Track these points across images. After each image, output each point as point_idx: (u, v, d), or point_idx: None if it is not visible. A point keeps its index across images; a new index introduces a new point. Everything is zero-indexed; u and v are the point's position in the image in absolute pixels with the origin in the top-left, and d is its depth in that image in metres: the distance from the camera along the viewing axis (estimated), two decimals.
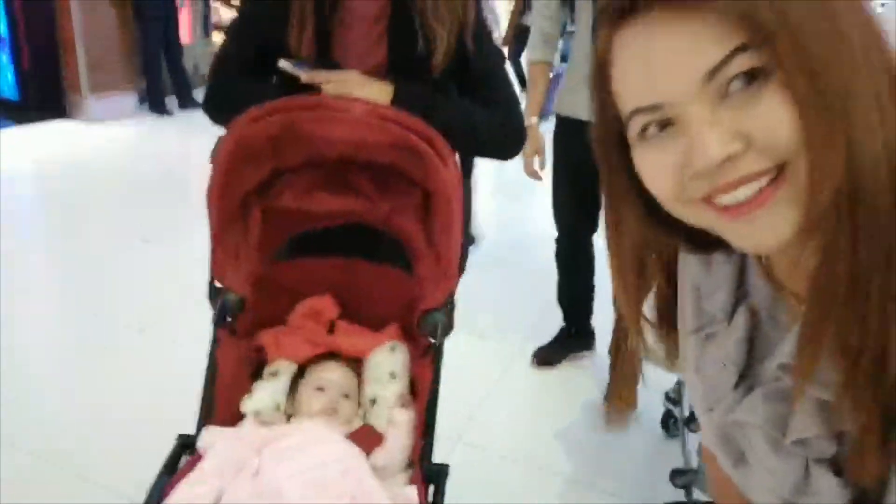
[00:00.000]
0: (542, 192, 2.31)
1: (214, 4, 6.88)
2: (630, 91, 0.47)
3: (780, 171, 0.43)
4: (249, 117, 1.02)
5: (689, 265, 0.59)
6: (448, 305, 1.08)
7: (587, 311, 2.39)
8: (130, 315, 2.64)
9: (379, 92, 1.11)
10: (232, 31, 1.26)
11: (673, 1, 0.43)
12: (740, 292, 0.56)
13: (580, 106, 1.99)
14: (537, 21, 2.05)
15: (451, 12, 1.14)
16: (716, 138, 0.43)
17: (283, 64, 1.13)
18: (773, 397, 0.52)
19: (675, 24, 0.43)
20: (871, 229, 0.42)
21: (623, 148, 0.50)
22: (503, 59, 1.29)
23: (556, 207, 2.20)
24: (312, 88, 1.11)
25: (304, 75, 1.12)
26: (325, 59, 1.16)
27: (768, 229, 0.44)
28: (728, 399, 0.56)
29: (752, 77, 0.42)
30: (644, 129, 0.47)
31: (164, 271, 3.02)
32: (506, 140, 1.23)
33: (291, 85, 1.13)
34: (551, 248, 2.32)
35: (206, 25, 6.84)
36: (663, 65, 0.44)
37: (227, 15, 6.75)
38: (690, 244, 0.55)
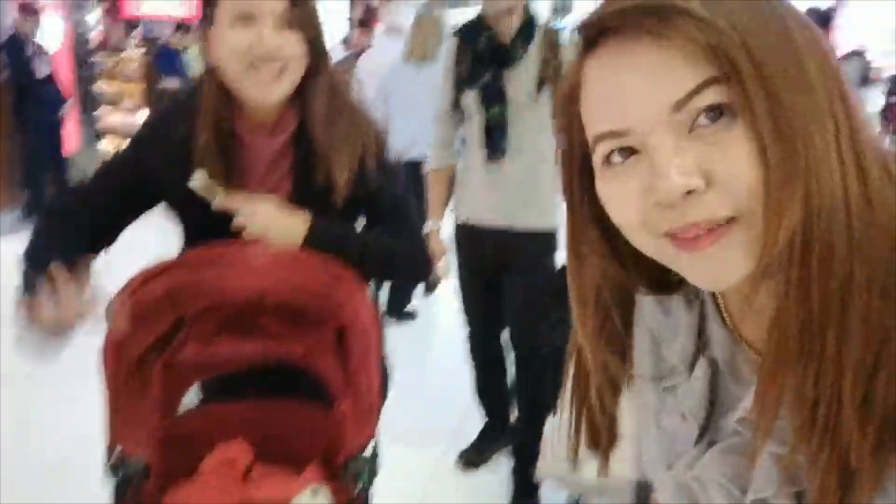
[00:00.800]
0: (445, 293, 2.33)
1: (101, 112, 6.70)
2: (597, 116, 0.47)
3: (729, 222, 0.43)
4: (142, 278, 0.97)
5: (645, 308, 0.57)
6: (372, 450, 1.05)
7: (507, 402, 2.39)
8: None
9: (295, 226, 1.09)
10: (105, 168, 1.21)
11: (643, 27, 0.43)
12: (700, 342, 0.55)
13: (476, 212, 2.06)
14: (435, 130, 2.12)
15: (351, 142, 1.13)
16: (678, 169, 0.42)
17: (195, 183, 1.09)
18: (733, 453, 0.51)
19: (645, 50, 0.43)
20: (825, 277, 0.42)
21: (587, 175, 0.50)
22: (405, 187, 1.31)
23: (466, 306, 2.23)
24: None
25: (218, 201, 1.08)
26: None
27: (722, 266, 0.44)
28: (689, 454, 0.54)
29: (719, 113, 0.42)
30: (609, 156, 0.46)
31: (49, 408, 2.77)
32: (415, 267, 1.24)
33: (202, 209, 1.08)
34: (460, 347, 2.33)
35: (94, 132, 6.64)
36: (632, 91, 0.44)
37: (116, 119, 6.59)
38: (649, 285, 0.55)
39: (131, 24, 7.41)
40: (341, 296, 1.02)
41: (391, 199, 1.21)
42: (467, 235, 2.11)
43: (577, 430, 0.60)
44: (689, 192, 0.42)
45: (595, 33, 0.46)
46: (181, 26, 6.23)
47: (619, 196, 0.47)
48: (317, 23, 1.09)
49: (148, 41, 6.95)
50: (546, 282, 2.07)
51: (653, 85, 0.43)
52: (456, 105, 2.04)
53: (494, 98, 1.93)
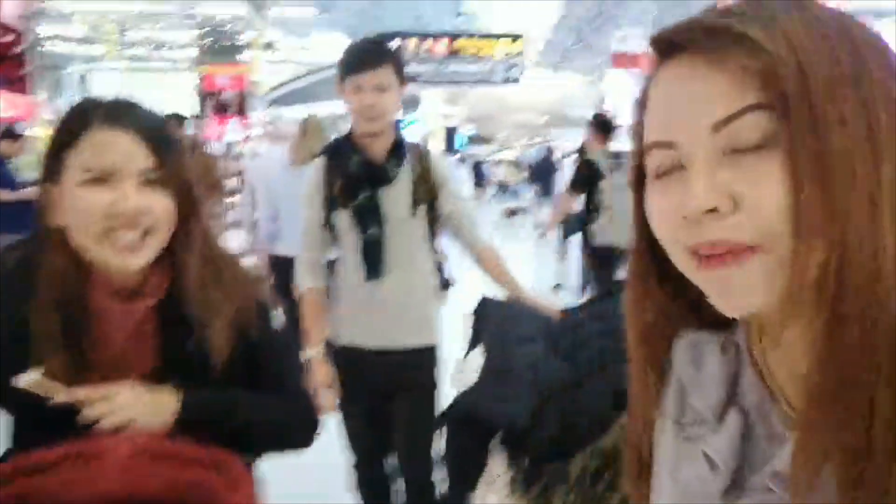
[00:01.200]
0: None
1: None
2: (653, 124, 0.48)
3: (752, 249, 0.43)
4: None
5: (678, 353, 0.56)
6: None
7: None
8: None
9: (162, 404, 0.94)
10: None
11: (702, 47, 0.44)
12: (733, 393, 0.53)
13: (356, 335, 1.96)
14: (304, 250, 2.02)
15: (230, 302, 1.01)
16: (705, 186, 0.43)
17: (25, 381, 0.88)
18: None
19: (701, 68, 0.44)
20: (859, 323, 0.40)
21: (641, 184, 0.51)
22: (288, 342, 1.19)
23: (351, 437, 2.08)
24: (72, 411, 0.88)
25: (58, 395, 0.89)
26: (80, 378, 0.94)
27: (739, 290, 0.44)
28: None
29: (756, 142, 0.42)
30: (658, 167, 0.48)
31: None
32: (303, 427, 1.12)
33: (37, 404, 0.88)
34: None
35: None
36: (682, 106, 0.45)
37: None
38: (692, 319, 0.54)
39: None
40: (221, 487, 0.86)
41: (274, 359, 1.09)
42: (347, 359, 1.99)
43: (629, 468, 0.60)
44: (712, 211, 0.43)
45: (665, 49, 0.48)
46: (8, 132, 5.70)
47: (660, 209, 0.48)
48: (187, 177, 0.97)
49: None
50: (431, 402, 2.00)
51: (699, 103, 0.45)
52: (325, 224, 1.97)
53: (371, 218, 1.89)
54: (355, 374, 1.98)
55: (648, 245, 0.52)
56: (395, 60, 1.89)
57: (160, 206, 0.93)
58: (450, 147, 20.44)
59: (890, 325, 0.40)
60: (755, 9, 0.45)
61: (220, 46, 15.91)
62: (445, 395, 2.00)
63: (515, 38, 13.05)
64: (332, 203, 1.93)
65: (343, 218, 1.92)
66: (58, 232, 0.94)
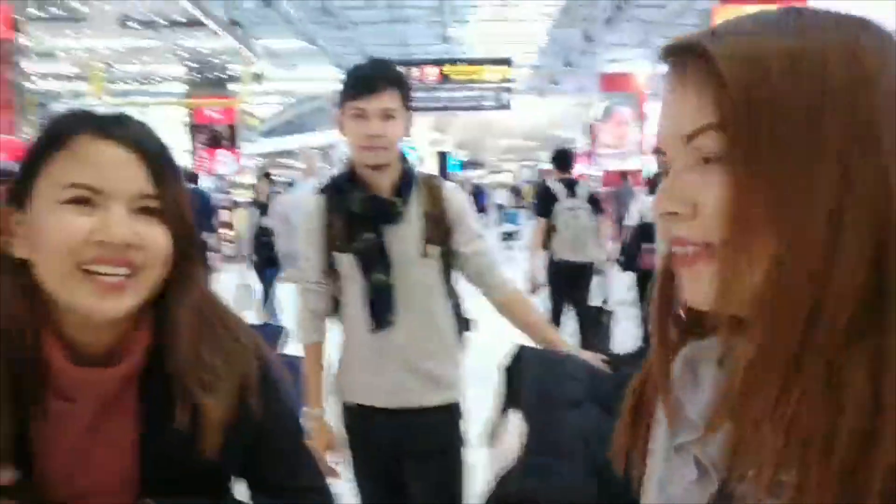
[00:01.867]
0: None
1: None
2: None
3: (707, 247, 0.47)
4: None
5: (677, 365, 0.57)
6: None
7: None
8: None
9: None
10: None
11: (676, 62, 0.49)
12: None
13: (364, 392, 1.73)
14: (302, 299, 1.80)
15: (226, 367, 0.80)
16: (666, 192, 0.48)
17: None
18: None
19: (676, 81, 0.49)
20: (783, 338, 0.43)
21: None
22: (299, 427, 0.97)
23: (363, 501, 1.84)
24: None
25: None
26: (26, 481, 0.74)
27: (695, 289, 0.49)
28: None
29: (718, 154, 0.46)
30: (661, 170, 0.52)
31: None
32: None
33: None
34: None
35: None
36: (663, 117, 0.50)
37: None
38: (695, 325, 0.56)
39: None
40: None
41: (283, 447, 0.89)
42: (356, 419, 1.76)
43: None
44: (672, 213, 0.48)
45: (663, 55, 0.51)
46: None
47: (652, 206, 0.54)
48: (187, 210, 0.78)
49: None
50: (454, 469, 1.76)
51: (673, 116, 0.49)
52: (325, 270, 1.74)
53: (377, 261, 1.67)
54: (364, 435, 1.75)
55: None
56: (402, 84, 1.69)
57: (155, 240, 0.74)
58: (443, 172, 20.37)
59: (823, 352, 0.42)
60: (738, 27, 0.47)
61: (208, 79, 15.80)
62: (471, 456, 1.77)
63: (503, 62, 13.00)
64: (332, 246, 1.71)
65: (345, 262, 1.70)
66: (16, 267, 0.74)
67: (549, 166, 5.25)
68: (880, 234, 0.42)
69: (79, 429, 0.76)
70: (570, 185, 4.77)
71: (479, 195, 18.73)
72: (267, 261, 5.86)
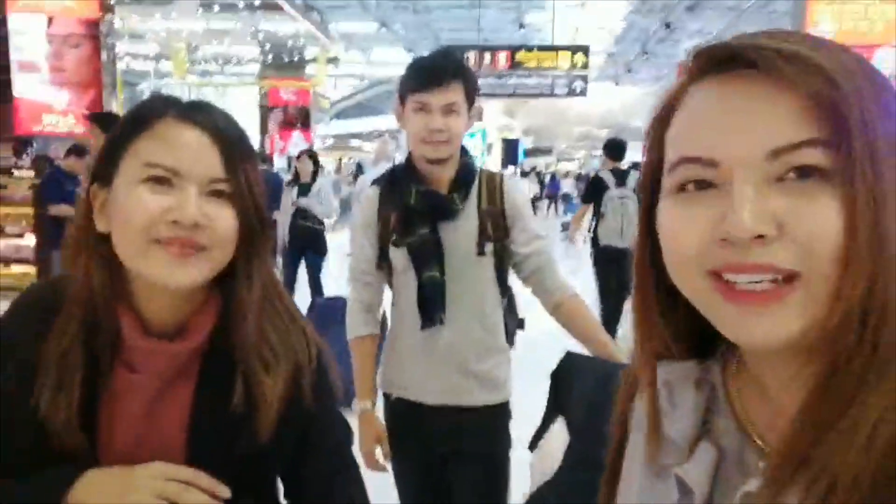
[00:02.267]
0: None
1: None
2: (688, 139, 0.47)
3: (791, 278, 0.43)
4: None
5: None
6: None
7: None
8: None
9: None
10: None
11: (770, 65, 0.44)
12: (704, 429, 0.54)
13: (411, 388, 1.72)
14: (354, 291, 1.79)
15: (287, 355, 0.83)
16: (754, 212, 0.43)
17: None
18: None
19: (759, 89, 0.44)
20: (881, 366, 0.41)
21: (653, 201, 0.52)
22: (350, 438, 0.97)
23: (404, 501, 1.83)
24: None
25: None
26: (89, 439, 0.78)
27: (773, 326, 0.44)
28: None
29: (808, 173, 0.43)
30: (684, 184, 0.47)
31: None
32: None
33: None
34: None
35: None
36: (734, 124, 0.45)
37: None
38: (676, 344, 0.55)
39: (23, 141, 6.89)
40: None
41: (328, 442, 0.89)
42: (402, 416, 1.75)
43: None
44: (758, 237, 0.43)
45: (709, 63, 0.47)
46: (75, 148, 5.76)
47: (683, 224, 0.47)
48: (258, 193, 0.80)
49: (41, 159, 6.42)
50: (500, 470, 1.73)
51: (757, 124, 0.44)
52: (380, 263, 1.73)
53: (430, 257, 1.64)
54: (409, 431, 1.74)
55: (652, 264, 0.53)
56: (467, 78, 1.64)
57: (223, 221, 0.77)
58: (512, 160, 20.18)
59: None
60: (808, 40, 0.45)
61: (283, 61, 16.15)
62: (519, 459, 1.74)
63: (579, 50, 12.70)
64: (386, 239, 1.70)
65: (399, 256, 1.68)
66: (98, 240, 0.79)
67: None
68: None
69: (141, 403, 0.79)
70: (621, 175, 4.89)
71: (552, 183, 18.44)
72: (303, 247, 5.62)
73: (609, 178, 4.90)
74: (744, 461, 0.51)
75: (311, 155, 5.92)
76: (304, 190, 5.60)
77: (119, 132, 0.79)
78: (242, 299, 0.80)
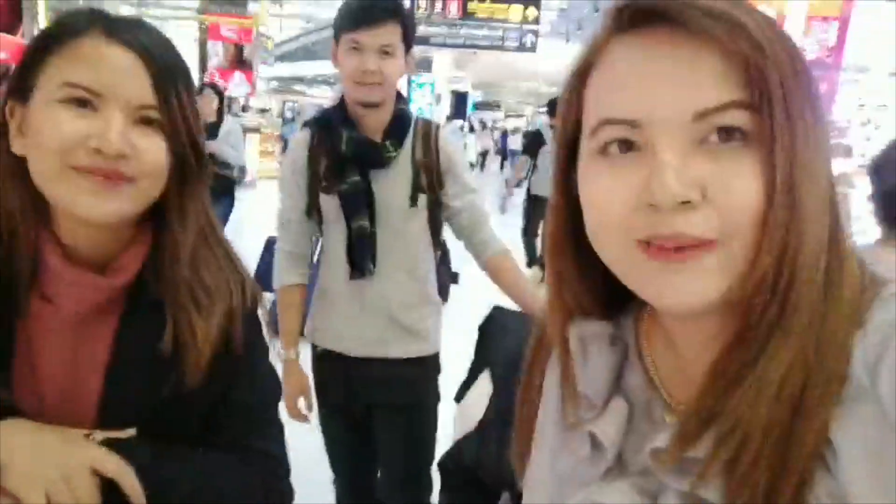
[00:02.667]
0: None
1: None
2: (610, 100, 0.46)
3: (710, 242, 0.44)
4: None
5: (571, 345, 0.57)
6: None
7: None
8: None
9: (62, 460, 0.67)
10: None
11: (696, 24, 0.43)
12: (616, 384, 0.55)
13: (338, 339, 1.69)
14: (282, 239, 1.73)
15: (218, 294, 0.78)
16: (681, 178, 0.43)
17: None
18: (640, 490, 0.50)
19: (683, 47, 0.43)
20: (788, 323, 0.43)
21: (570, 160, 0.51)
22: (278, 395, 0.93)
23: (331, 455, 1.83)
24: None
25: None
26: None
27: (693, 287, 0.44)
28: (591, 487, 0.53)
29: (731, 135, 0.43)
30: (606, 146, 0.46)
31: None
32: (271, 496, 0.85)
33: None
34: None
35: None
36: (659, 84, 0.44)
37: None
38: (591, 302, 0.55)
39: None
40: None
41: (253, 397, 0.84)
42: (329, 367, 1.73)
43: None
44: (684, 203, 0.43)
45: (632, 18, 0.46)
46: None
47: (607, 189, 0.46)
48: (192, 123, 0.75)
49: None
50: (426, 422, 1.74)
51: (683, 85, 0.43)
52: (310, 211, 1.67)
53: (360, 205, 1.60)
54: (335, 382, 1.72)
55: (569, 226, 0.52)
56: (404, 18, 1.57)
57: (150, 152, 0.71)
58: (460, 113, 19.96)
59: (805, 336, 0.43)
60: (733, 2, 0.44)
61: None
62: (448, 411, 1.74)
63: (531, 3, 12.52)
64: (316, 185, 1.64)
65: (329, 204, 1.63)
66: (14, 163, 0.72)
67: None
68: (832, 200, 0.45)
69: (57, 338, 0.74)
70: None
71: (502, 139, 18.35)
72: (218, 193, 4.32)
73: (547, 134, 5.52)
74: (652, 416, 0.53)
75: (215, 88, 5.13)
76: (212, 132, 4.70)
77: (38, 44, 0.72)
78: (176, 238, 0.76)
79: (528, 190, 5.89)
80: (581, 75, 0.49)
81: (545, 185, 5.36)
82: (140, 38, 0.71)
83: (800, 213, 0.43)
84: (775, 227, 0.42)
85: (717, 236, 0.43)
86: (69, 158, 0.68)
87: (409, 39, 1.59)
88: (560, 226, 0.54)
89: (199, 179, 0.78)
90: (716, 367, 0.46)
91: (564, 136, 0.51)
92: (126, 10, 15.13)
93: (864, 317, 0.44)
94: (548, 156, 5.41)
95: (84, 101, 0.69)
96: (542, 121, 6.83)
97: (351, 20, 1.54)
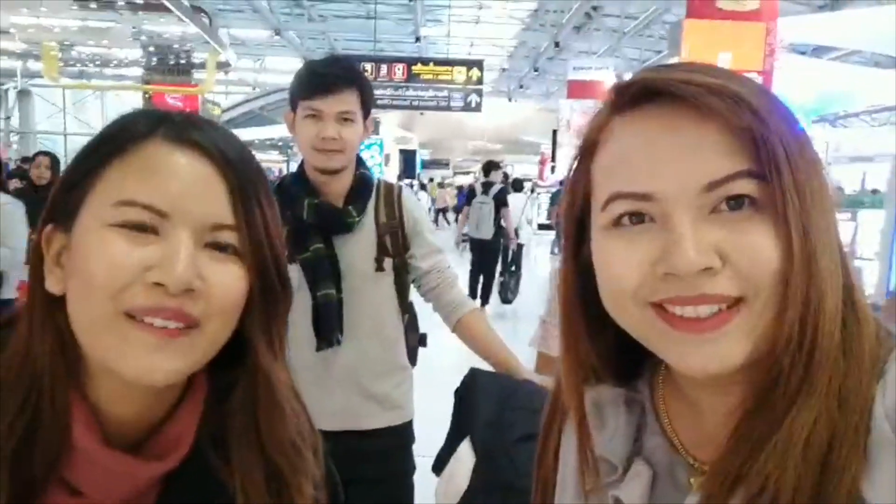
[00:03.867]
0: None
1: None
2: (619, 175, 0.48)
3: (736, 302, 0.45)
4: None
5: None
6: None
7: None
8: None
9: None
10: None
11: (695, 100, 0.45)
12: (636, 447, 0.54)
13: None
14: None
15: (286, 467, 0.60)
16: (697, 246, 0.44)
17: None
18: None
19: (688, 122, 0.45)
20: (811, 382, 0.43)
21: (579, 233, 0.53)
22: None
23: None
24: None
25: None
26: None
27: (718, 353, 0.45)
28: None
29: (740, 202, 0.45)
30: (620, 218, 0.47)
31: None
32: None
33: None
34: None
35: None
36: (668, 158, 0.45)
37: None
38: (603, 367, 0.56)
39: None
40: None
41: None
42: None
43: None
44: (704, 269, 0.44)
45: (630, 97, 0.48)
46: None
47: (622, 259, 0.47)
48: (278, 245, 0.59)
49: None
50: (403, 493, 1.66)
51: (692, 159, 0.45)
52: None
53: (325, 272, 1.56)
54: None
55: (579, 293, 0.54)
56: (362, 85, 1.57)
57: (225, 286, 0.55)
58: (409, 172, 20.24)
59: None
60: (725, 73, 0.47)
61: (170, 65, 15.36)
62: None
63: (474, 64, 12.94)
64: None
65: (291, 275, 1.57)
66: (49, 303, 0.56)
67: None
68: (844, 264, 0.47)
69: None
70: (486, 187, 7.30)
71: (459, 195, 18.65)
72: None
73: (478, 188, 7.41)
74: (676, 479, 0.53)
75: (48, 154, 4.53)
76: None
77: (86, 154, 0.58)
78: (237, 402, 0.59)
79: (468, 234, 7.57)
80: (587, 153, 0.51)
81: (473, 227, 7.33)
82: (216, 142, 0.57)
83: (817, 271, 0.44)
84: (796, 285, 0.44)
85: (741, 294, 0.45)
86: (122, 300, 0.52)
87: (367, 105, 1.59)
88: (572, 294, 0.55)
89: (284, 309, 0.62)
90: (740, 427, 0.46)
91: (573, 210, 0.53)
92: (66, 81, 14.96)
93: (884, 368, 0.44)
94: (476, 205, 7.26)
95: (144, 226, 0.54)
96: (476, 176, 8.72)
97: (309, 88, 1.53)
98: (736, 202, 0.45)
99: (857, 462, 0.42)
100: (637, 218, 0.47)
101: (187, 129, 0.57)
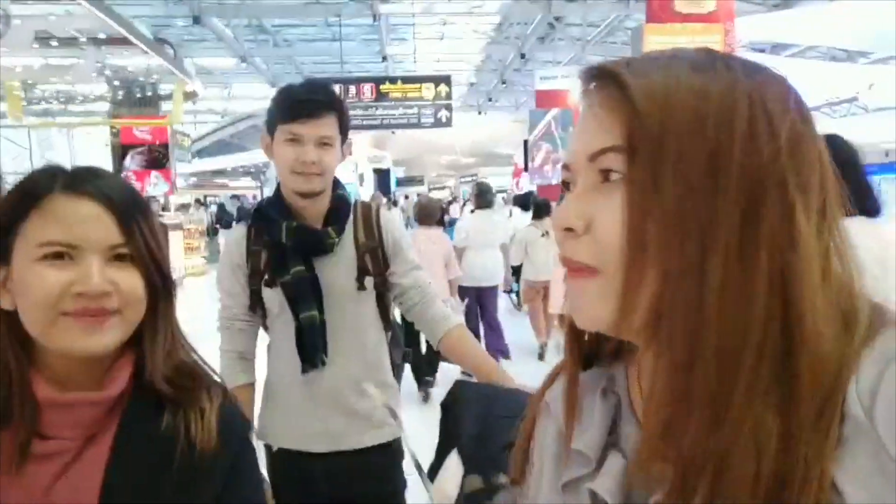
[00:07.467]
0: None
1: None
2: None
3: (592, 270, 0.49)
4: None
5: (558, 399, 0.59)
6: None
7: None
8: None
9: None
10: None
11: (589, 85, 0.51)
12: (612, 438, 0.55)
13: (295, 437, 1.61)
14: (226, 340, 1.66)
15: (208, 392, 0.86)
16: (569, 207, 0.50)
17: None
18: None
19: (593, 102, 0.51)
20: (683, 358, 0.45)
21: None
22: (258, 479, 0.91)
23: None
24: None
25: None
26: None
27: (582, 305, 0.50)
28: None
29: (607, 175, 0.49)
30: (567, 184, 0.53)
31: None
32: None
33: None
34: None
35: None
36: (577, 134, 0.52)
37: None
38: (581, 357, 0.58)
39: None
40: None
41: (256, 495, 0.89)
42: (285, 466, 1.64)
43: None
44: (568, 230, 0.50)
45: (584, 80, 0.53)
46: None
47: (552, 220, 0.54)
48: (156, 251, 0.81)
49: None
50: None
51: (583, 135, 0.51)
52: (254, 307, 1.62)
53: (307, 294, 1.56)
54: (294, 482, 1.63)
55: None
56: (340, 109, 1.59)
57: (131, 283, 0.79)
58: (384, 190, 20.22)
59: (708, 362, 0.44)
60: (655, 61, 0.49)
61: (136, 98, 15.23)
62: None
63: (442, 80, 13.02)
64: (258, 280, 1.60)
65: (273, 298, 1.59)
66: (8, 316, 0.79)
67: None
68: (784, 273, 0.44)
69: (52, 471, 0.76)
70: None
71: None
72: None
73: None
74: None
75: None
76: None
77: (5, 211, 0.78)
78: (156, 350, 0.82)
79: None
80: None
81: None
82: (100, 187, 0.78)
83: (666, 256, 0.45)
84: (637, 262, 0.46)
85: (591, 263, 0.49)
86: (58, 307, 0.74)
87: (345, 129, 1.61)
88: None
89: (167, 299, 0.84)
90: (646, 410, 0.50)
91: None
92: (32, 120, 14.75)
93: (862, 353, 0.43)
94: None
95: (61, 255, 0.75)
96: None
97: (289, 112, 1.54)
98: (606, 175, 0.49)
99: (826, 448, 0.41)
100: (565, 186, 0.54)
101: (80, 181, 0.79)
